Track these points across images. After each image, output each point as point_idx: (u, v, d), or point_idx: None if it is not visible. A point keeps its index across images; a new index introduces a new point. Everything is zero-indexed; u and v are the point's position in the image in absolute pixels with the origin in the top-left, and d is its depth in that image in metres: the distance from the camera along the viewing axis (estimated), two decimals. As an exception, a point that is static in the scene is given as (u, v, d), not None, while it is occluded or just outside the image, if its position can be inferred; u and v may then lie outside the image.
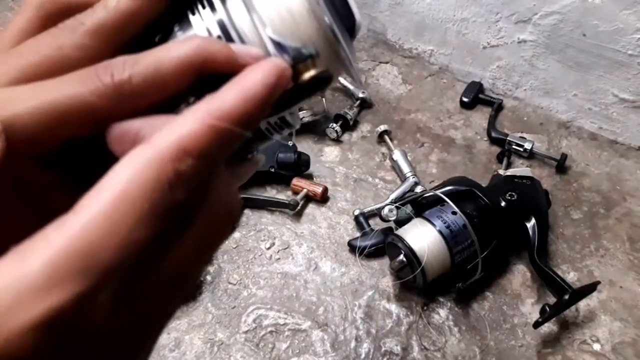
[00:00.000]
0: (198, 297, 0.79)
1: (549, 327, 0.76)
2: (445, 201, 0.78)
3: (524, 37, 0.99)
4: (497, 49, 1.04)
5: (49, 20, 0.23)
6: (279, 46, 0.24)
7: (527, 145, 0.97)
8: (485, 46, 1.05)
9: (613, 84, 0.95)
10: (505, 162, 0.96)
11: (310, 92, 0.25)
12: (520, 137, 0.99)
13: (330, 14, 0.25)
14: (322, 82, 0.25)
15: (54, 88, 0.20)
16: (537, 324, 0.72)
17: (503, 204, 0.80)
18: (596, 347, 0.75)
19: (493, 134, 1.00)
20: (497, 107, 1.06)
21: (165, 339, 0.75)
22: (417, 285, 0.78)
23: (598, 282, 0.77)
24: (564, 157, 0.95)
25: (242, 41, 0.24)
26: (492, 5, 0.99)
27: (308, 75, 0.24)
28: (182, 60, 0.21)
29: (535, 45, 0.99)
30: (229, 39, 0.24)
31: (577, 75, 0.98)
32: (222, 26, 0.24)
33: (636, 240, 0.87)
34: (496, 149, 0.99)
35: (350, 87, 1.09)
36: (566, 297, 0.72)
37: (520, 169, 0.91)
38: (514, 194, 0.81)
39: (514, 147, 0.98)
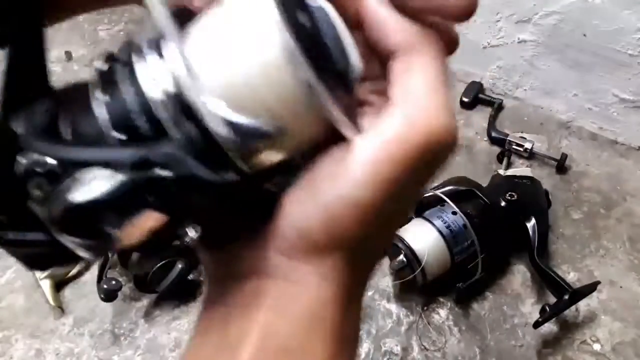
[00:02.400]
0: (198, 298, 0.79)
1: (549, 327, 0.76)
2: (446, 201, 0.78)
3: (524, 37, 0.99)
4: (497, 49, 1.04)
5: None
6: (229, 124, 0.20)
7: (527, 145, 0.97)
8: (485, 46, 1.05)
9: (613, 84, 0.95)
10: (505, 162, 0.96)
11: (264, 178, 0.21)
12: (520, 137, 0.98)
13: (315, 61, 0.20)
14: (286, 167, 0.21)
15: None
16: (537, 324, 0.72)
17: (503, 204, 0.80)
18: (596, 347, 0.75)
19: (493, 134, 1.00)
20: (497, 107, 1.06)
21: (165, 339, 0.75)
22: (417, 285, 0.77)
23: (598, 282, 0.77)
24: (564, 157, 0.95)
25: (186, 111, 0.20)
26: (492, 5, 0.99)
27: (266, 159, 0.20)
28: None
29: (535, 45, 0.99)
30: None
31: (578, 75, 0.98)
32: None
33: (636, 240, 0.87)
34: (496, 149, 0.99)
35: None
36: (566, 297, 0.72)
37: (521, 169, 0.91)
38: (514, 194, 0.81)
39: (514, 147, 0.97)
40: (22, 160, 0.20)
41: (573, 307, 0.76)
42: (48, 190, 0.20)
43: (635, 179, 0.95)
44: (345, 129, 0.21)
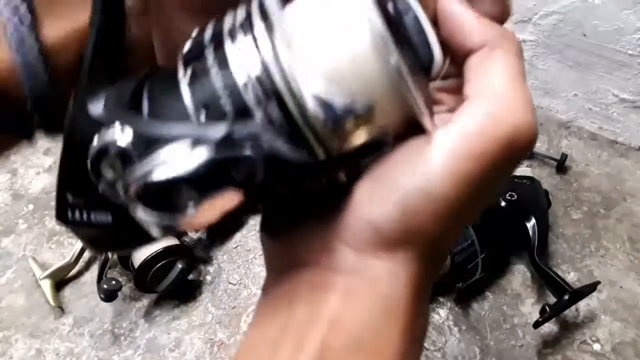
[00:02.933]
0: (198, 297, 0.79)
1: (549, 327, 0.76)
2: (445, 201, 0.78)
3: (524, 37, 0.99)
4: (497, 49, 1.04)
5: None
6: (324, 105, 0.19)
7: (527, 145, 0.96)
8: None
9: (613, 84, 0.95)
10: (505, 162, 0.96)
11: (358, 157, 0.21)
12: (520, 137, 0.98)
13: (402, 50, 0.20)
14: (376, 146, 0.20)
15: None
16: (537, 324, 0.72)
17: (503, 204, 0.80)
18: (596, 347, 0.75)
19: (493, 134, 1.00)
20: (497, 107, 1.05)
21: (165, 339, 0.75)
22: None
23: (598, 282, 0.76)
24: (564, 157, 0.95)
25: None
26: (492, 5, 0.99)
27: (357, 139, 0.20)
28: None
29: (535, 45, 0.99)
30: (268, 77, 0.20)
31: (577, 75, 0.98)
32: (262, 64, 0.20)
33: (636, 240, 0.87)
34: (496, 149, 0.99)
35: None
36: (566, 297, 0.72)
37: (520, 169, 0.91)
38: (514, 194, 0.81)
39: (514, 147, 0.97)
40: (95, 140, 0.21)
41: (573, 307, 0.76)
42: (120, 171, 0.20)
43: (635, 179, 0.95)
44: (426, 120, 0.21)
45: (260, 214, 0.25)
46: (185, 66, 0.21)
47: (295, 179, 0.21)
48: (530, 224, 0.80)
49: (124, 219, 0.21)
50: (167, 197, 0.19)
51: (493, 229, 0.78)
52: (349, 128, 0.20)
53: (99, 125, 0.21)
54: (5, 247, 0.86)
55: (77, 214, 0.22)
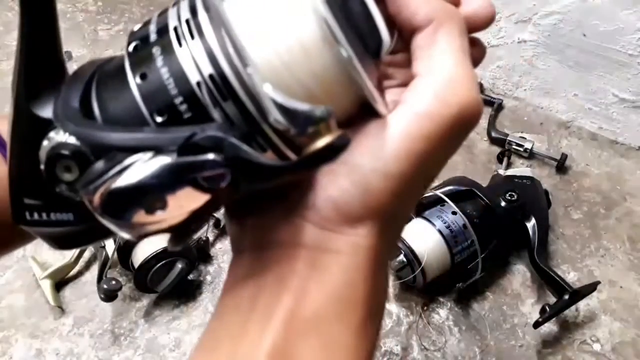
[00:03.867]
0: (198, 298, 0.79)
1: (549, 327, 0.76)
2: (445, 201, 0.78)
3: (524, 37, 0.99)
4: (497, 48, 1.04)
5: None
6: (284, 111, 0.19)
7: (527, 145, 0.97)
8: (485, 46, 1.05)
9: (613, 84, 0.95)
10: (505, 162, 0.96)
11: (320, 162, 0.20)
12: (520, 137, 0.98)
13: (350, 37, 0.20)
14: (337, 151, 0.20)
15: None
16: (537, 324, 0.72)
17: (503, 204, 0.80)
18: (596, 347, 0.75)
19: (493, 134, 1.00)
20: (497, 107, 1.06)
21: (165, 339, 0.75)
22: (417, 285, 0.78)
23: (598, 282, 0.77)
24: (564, 157, 0.95)
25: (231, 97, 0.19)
26: (492, 5, 0.99)
27: (320, 143, 0.20)
28: None
29: (535, 45, 0.99)
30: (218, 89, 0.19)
31: (577, 75, 0.98)
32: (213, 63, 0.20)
33: (636, 240, 0.87)
34: (496, 149, 0.99)
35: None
36: (566, 297, 0.72)
37: (521, 169, 0.91)
38: (514, 194, 0.81)
39: (514, 147, 0.97)
40: (45, 143, 0.20)
41: (573, 307, 0.76)
42: (77, 173, 0.20)
43: (635, 179, 0.95)
44: (379, 105, 0.22)
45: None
46: (133, 67, 0.21)
47: (263, 179, 0.21)
48: (530, 224, 0.80)
49: (86, 214, 0.20)
50: (132, 202, 0.19)
51: (493, 229, 0.78)
52: (314, 130, 0.20)
53: (48, 128, 0.21)
54: (5, 247, 0.85)
55: (35, 215, 0.22)
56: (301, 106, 0.19)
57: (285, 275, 0.23)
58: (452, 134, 0.23)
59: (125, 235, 0.21)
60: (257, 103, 0.19)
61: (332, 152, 0.20)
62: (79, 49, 1.19)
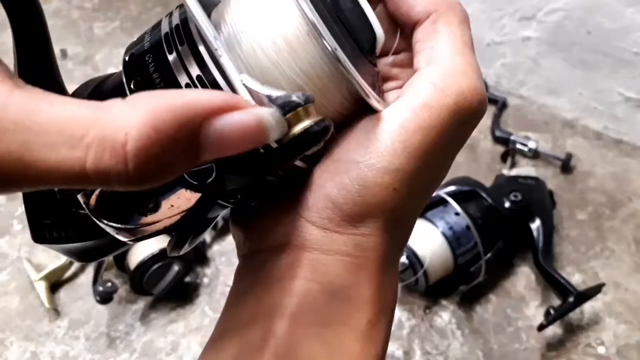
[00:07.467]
0: (195, 300, 0.79)
1: (553, 330, 0.75)
2: (448, 202, 0.77)
3: (528, 34, 0.99)
4: (501, 46, 1.03)
5: None
6: (267, 98, 0.19)
7: (532, 145, 0.96)
8: (489, 43, 1.04)
9: (619, 82, 0.94)
10: (509, 161, 0.95)
11: (300, 149, 0.20)
12: (524, 136, 0.98)
13: (339, 32, 0.20)
14: (316, 136, 0.20)
15: None
16: (541, 327, 0.72)
17: (507, 204, 0.80)
18: (601, 350, 0.74)
19: (497, 133, 0.99)
20: (501, 106, 1.05)
21: (161, 342, 0.74)
22: (419, 287, 0.77)
23: (603, 284, 0.76)
24: (569, 156, 0.94)
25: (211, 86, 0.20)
26: (496, 2, 0.98)
27: (298, 128, 0.19)
28: None
29: (539, 43, 0.98)
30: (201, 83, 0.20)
31: (582, 74, 0.97)
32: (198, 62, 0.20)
33: (642, 241, 0.86)
34: (500, 149, 0.98)
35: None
36: (571, 299, 0.72)
37: (525, 168, 0.90)
38: (518, 194, 0.80)
39: (518, 146, 0.96)
40: None
41: (577, 310, 0.75)
42: (90, 194, 0.21)
43: (641, 179, 0.95)
44: (371, 99, 0.22)
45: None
46: (129, 80, 0.22)
47: (249, 172, 0.21)
48: (535, 225, 0.80)
49: (101, 230, 0.21)
50: (123, 206, 0.20)
51: (497, 230, 0.77)
52: (292, 116, 0.20)
53: None
54: (-1, 248, 0.85)
55: (54, 233, 0.23)
56: (277, 92, 0.19)
57: (287, 281, 0.23)
58: (452, 123, 0.22)
59: (122, 238, 0.21)
60: (233, 90, 0.20)
61: (312, 136, 0.19)
62: (74, 46, 1.17)
